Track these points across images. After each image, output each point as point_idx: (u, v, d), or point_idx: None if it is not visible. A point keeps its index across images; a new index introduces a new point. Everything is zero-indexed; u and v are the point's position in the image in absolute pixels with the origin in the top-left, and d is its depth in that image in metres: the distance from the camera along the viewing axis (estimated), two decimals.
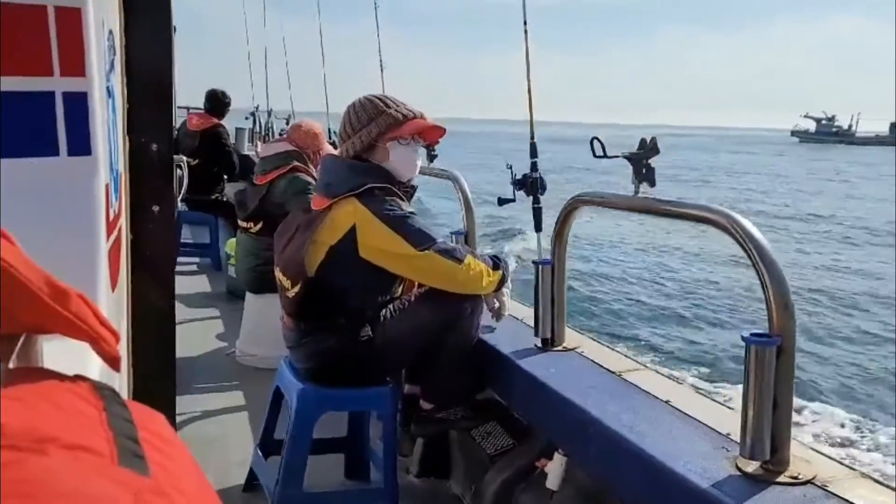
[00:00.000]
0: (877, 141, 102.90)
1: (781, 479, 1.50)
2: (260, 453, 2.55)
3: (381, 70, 4.74)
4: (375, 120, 2.25)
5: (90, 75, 0.98)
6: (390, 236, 2.16)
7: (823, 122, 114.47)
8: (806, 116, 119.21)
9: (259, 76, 8.60)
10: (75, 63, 0.96)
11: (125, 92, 1.43)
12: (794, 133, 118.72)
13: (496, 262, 2.36)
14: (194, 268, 5.99)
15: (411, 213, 2.24)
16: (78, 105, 0.97)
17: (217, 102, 6.19)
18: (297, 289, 2.25)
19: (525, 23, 2.41)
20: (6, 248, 0.46)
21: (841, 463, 1.56)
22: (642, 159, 1.92)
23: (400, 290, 2.38)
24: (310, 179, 3.81)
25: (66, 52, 0.95)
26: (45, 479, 0.35)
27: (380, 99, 2.30)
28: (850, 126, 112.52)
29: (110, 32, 1.20)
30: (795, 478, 1.50)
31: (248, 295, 4.01)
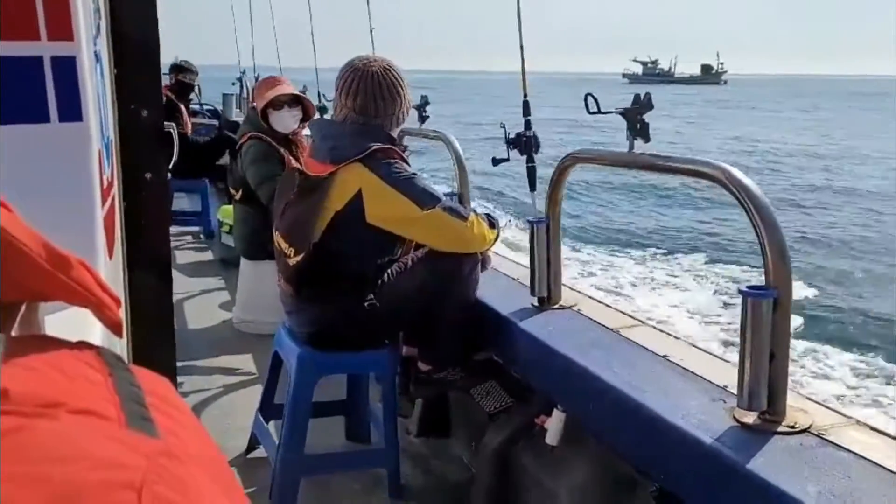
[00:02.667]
0: (691, 80, 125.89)
1: (779, 428, 1.52)
2: (261, 418, 2.57)
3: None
4: (403, 98, 2.28)
5: (78, 39, 0.95)
6: (397, 199, 2.15)
7: (649, 65, 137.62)
8: (634, 61, 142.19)
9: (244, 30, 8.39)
10: (62, 26, 0.93)
11: (112, 57, 1.41)
12: (624, 75, 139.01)
13: (491, 221, 2.37)
14: (187, 237, 5.97)
15: (414, 173, 2.22)
16: (67, 70, 0.95)
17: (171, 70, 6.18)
18: (300, 256, 2.22)
19: None
20: (4, 216, 0.46)
21: (837, 412, 1.58)
22: (636, 115, 1.91)
23: (399, 252, 2.37)
24: (260, 145, 3.75)
25: (53, 14, 0.93)
26: (56, 443, 0.35)
27: (399, 75, 2.29)
28: (669, 69, 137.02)
29: None
30: (792, 427, 1.52)
31: (243, 261, 4.00)
